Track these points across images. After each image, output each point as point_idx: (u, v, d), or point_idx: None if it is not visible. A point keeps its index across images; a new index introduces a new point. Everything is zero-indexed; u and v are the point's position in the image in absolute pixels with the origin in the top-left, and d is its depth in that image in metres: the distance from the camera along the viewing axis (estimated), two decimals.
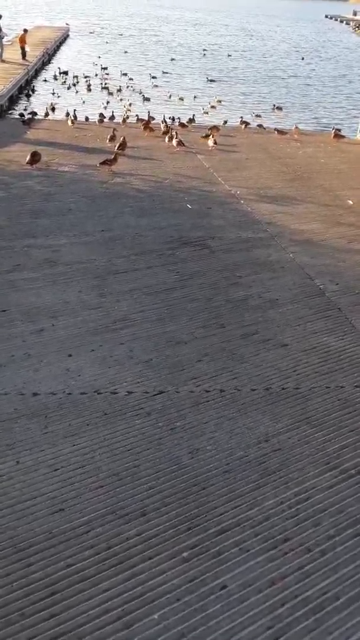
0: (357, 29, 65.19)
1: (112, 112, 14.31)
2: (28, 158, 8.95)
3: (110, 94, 20.72)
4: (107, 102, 18.18)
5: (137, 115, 14.08)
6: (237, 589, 2.68)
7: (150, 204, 7.79)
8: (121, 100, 19.49)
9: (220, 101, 20.32)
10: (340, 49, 44.26)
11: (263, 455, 3.47)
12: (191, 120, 13.96)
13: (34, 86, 21.35)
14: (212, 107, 18.92)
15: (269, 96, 23.22)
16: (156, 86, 23.11)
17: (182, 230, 6.94)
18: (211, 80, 25.44)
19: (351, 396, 4.06)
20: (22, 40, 22.76)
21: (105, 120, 13.24)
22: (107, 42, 35.41)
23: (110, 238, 6.57)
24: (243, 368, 4.30)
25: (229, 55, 33.94)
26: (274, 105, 20.15)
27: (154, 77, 24.58)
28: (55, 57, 28.67)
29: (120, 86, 21.77)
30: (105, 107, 16.46)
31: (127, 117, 13.67)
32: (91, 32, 40.14)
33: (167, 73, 26.24)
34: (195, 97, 20.47)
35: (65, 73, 23.64)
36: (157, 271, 5.82)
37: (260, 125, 13.87)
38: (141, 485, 3.19)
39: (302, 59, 36.51)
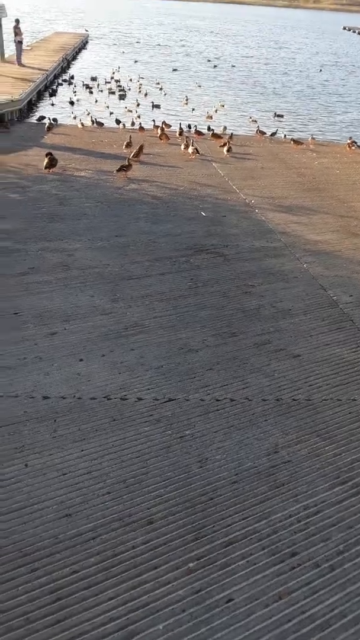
0: None
1: (133, 119, 14.46)
2: (45, 162, 9.01)
3: (121, 97, 21.06)
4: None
5: (153, 121, 14.17)
6: (243, 602, 2.64)
7: (164, 210, 7.80)
8: (121, 101, 19.72)
9: (223, 105, 20.50)
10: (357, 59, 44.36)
11: (272, 467, 3.43)
12: (223, 131, 14.15)
13: (55, 88, 21.68)
14: (216, 111, 19.09)
15: (273, 105, 23.16)
16: (161, 89, 23.36)
17: (196, 237, 6.93)
18: (198, 86, 25.68)
19: None
20: None
21: (127, 126, 13.44)
22: (123, 52, 35.74)
23: (124, 243, 6.58)
24: (254, 378, 4.27)
25: (233, 66, 34.19)
26: (275, 113, 20.19)
27: (157, 83, 24.87)
28: (74, 63, 28.96)
29: (142, 90, 22.07)
30: (107, 110, 16.74)
31: (140, 122, 13.83)
32: (137, 42, 41.16)
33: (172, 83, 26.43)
34: (192, 109, 20.42)
35: (72, 78, 24.15)
36: (170, 278, 5.81)
37: (285, 135, 14.00)
38: (149, 493, 3.17)
39: (320, 70, 36.62)
